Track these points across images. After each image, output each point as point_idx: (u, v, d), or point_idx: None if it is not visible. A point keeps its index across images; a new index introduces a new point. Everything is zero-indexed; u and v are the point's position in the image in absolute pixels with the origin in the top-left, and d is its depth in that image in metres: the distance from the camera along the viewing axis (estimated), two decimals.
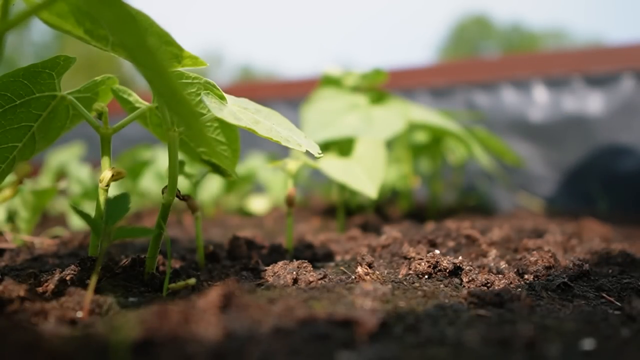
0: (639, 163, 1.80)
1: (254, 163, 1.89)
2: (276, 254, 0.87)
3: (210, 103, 0.61)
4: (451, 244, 0.88)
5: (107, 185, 0.67)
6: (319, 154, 0.67)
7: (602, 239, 0.98)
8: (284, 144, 0.62)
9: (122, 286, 0.64)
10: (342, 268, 0.78)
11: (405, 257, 0.79)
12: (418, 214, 1.52)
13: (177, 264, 0.79)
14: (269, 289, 0.64)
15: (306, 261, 0.70)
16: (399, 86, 2.24)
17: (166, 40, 0.58)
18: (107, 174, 0.66)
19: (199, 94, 0.65)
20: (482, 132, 1.57)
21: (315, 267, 0.78)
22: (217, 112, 0.60)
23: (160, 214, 0.65)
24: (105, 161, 0.68)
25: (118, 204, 0.58)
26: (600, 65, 1.90)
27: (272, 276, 0.68)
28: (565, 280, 0.67)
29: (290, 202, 0.87)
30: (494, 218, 1.53)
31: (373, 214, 1.44)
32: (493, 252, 0.84)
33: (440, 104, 2.18)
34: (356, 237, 1.01)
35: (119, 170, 0.67)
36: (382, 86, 1.60)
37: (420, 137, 1.58)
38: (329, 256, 0.88)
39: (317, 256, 0.87)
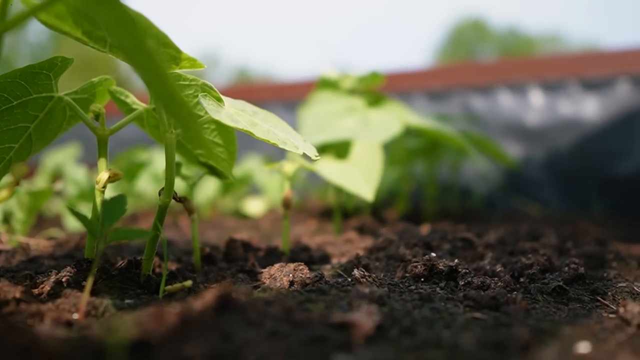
0: (634, 167, 1.81)
1: (250, 165, 1.89)
2: (273, 256, 0.87)
3: (208, 105, 0.61)
4: (447, 246, 0.88)
5: (104, 187, 0.66)
6: (316, 156, 0.67)
7: (598, 242, 0.99)
8: (280, 146, 0.63)
9: (119, 288, 0.64)
10: (338, 270, 0.78)
11: (401, 260, 0.79)
12: (414, 217, 1.52)
13: (173, 266, 0.79)
14: (265, 291, 0.64)
15: (302, 263, 0.70)
16: (395, 89, 2.24)
17: (164, 42, 0.59)
18: (103, 175, 0.66)
19: (197, 96, 0.65)
20: (478, 136, 1.58)
21: (311, 270, 0.78)
22: (215, 114, 0.60)
23: (157, 216, 0.65)
24: (102, 162, 0.68)
25: (114, 206, 0.58)
26: (596, 70, 1.91)
27: (269, 278, 0.68)
28: (561, 283, 0.67)
29: (286, 204, 0.88)
30: (490, 221, 1.53)
31: (369, 216, 1.44)
32: (489, 255, 0.84)
33: (436, 107, 2.18)
34: (352, 240, 1.01)
35: (115, 171, 0.67)
36: (379, 89, 1.61)
37: (417, 140, 1.58)
38: (325, 258, 0.88)
39: (314, 258, 0.88)
